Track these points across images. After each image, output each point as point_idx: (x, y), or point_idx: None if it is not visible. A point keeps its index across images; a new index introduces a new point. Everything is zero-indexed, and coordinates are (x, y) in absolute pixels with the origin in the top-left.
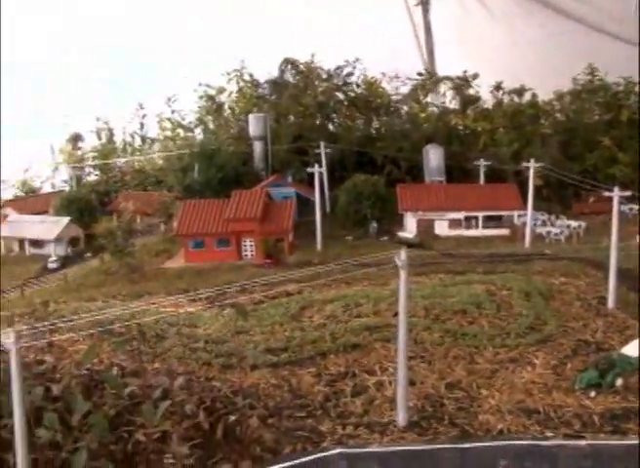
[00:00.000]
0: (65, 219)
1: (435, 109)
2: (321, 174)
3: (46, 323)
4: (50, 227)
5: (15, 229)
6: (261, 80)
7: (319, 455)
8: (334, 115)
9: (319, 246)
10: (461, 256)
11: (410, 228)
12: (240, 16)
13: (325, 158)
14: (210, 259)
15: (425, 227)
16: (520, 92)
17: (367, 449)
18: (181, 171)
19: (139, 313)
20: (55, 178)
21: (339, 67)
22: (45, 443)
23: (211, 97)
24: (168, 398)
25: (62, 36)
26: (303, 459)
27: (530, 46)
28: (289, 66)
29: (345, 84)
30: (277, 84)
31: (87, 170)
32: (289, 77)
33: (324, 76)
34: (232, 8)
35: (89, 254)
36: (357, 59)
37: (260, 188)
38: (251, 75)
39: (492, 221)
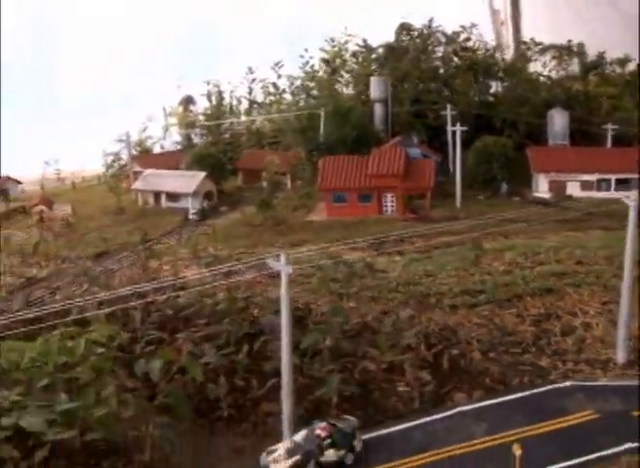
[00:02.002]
0: (202, 174)
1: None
2: (453, 133)
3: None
4: (187, 181)
5: (151, 183)
6: (374, 45)
7: (554, 387)
8: (451, 80)
9: (458, 203)
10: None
11: (541, 189)
12: None
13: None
14: (351, 214)
15: (557, 188)
16: (623, 62)
17: (601, 383)
18: (301, 131)
19: (315, 258)
20: (165, 140)
21: (455, 33)
22: None
23: (326, 61)
24: (394, 331)
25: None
26: (538, 390)
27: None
28: (404, 32)
29: (463, 49)
30: (394, 49)
31: (197, 131)
32: (405, 42)
33: (443, 40)
34: None
35: (224, 208)
36: (473, 25)
37: (398, 146)
38: (364, 40)
39: (622, 184)
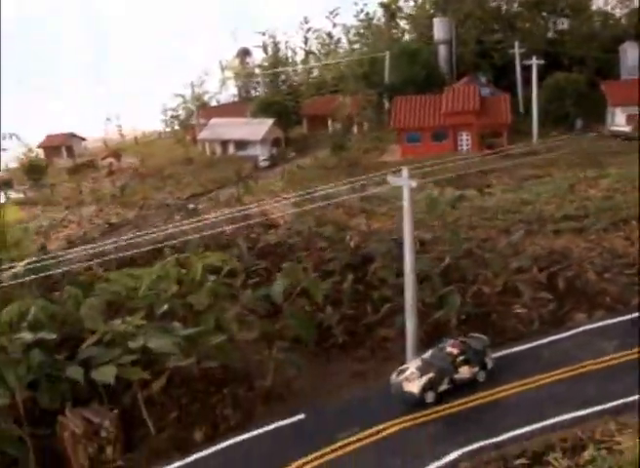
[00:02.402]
0: (270, 121)
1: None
2: (523, 70)
3: None
4: (255, 129)
5: (218, 132)
6: None
7: None
8: (514, 19)
9: (534, 139)
10: None
11: (618, 123)
12: None
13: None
14: (425, 153)
15: (636, 122)
16: None
17: None
18: (363, 76)
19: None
20: (221, 94)
21: None
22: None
23: (385, 6)
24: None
25: None
26: None
27: None
28: None
29: None
30: None
31: (256, 81)
32: None
33: None
34: None
35: (293, 154)
36: None
37: (471, 83)
38: None
39: None
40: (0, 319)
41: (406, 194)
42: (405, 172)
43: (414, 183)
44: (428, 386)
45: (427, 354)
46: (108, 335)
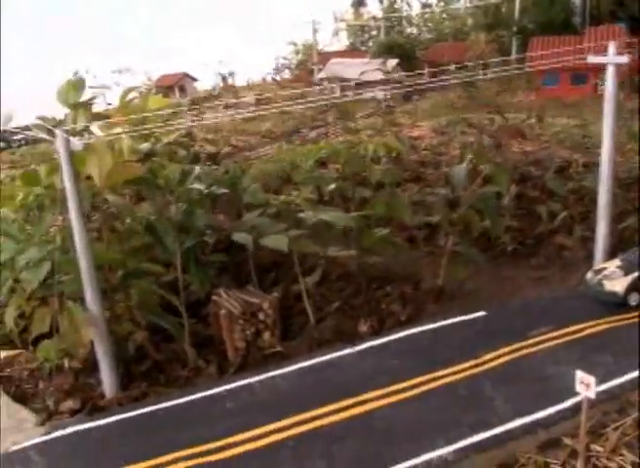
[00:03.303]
0: (394, 61)
1: None
2: None
3: None
4: (378, 68)
5: (337, 71)
6: None
7: None
8: None
9: None
10: None
11: None
12: None
13: None
14: (563, 96)
15: None
16: None
17: None
18: (487, 27)
19: None
20: (332, 45)
21: None
22: None
23: None
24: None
25: None
26: None
27: None
28: None
29: None
30: None
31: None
32: None
33: None
34: None
35: (416, 97)
36: None
37: (614, 26)
38: None
39: None
40: (162, 175)
41: (610, 73)
42: (612, 48)
43: (624, 59)
44: (633, 287)
45: (626, 255)
46: (273, 209)
